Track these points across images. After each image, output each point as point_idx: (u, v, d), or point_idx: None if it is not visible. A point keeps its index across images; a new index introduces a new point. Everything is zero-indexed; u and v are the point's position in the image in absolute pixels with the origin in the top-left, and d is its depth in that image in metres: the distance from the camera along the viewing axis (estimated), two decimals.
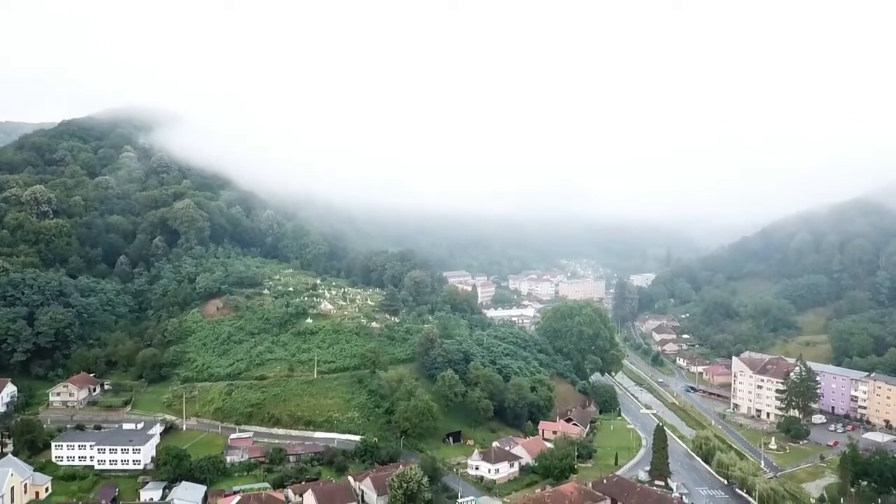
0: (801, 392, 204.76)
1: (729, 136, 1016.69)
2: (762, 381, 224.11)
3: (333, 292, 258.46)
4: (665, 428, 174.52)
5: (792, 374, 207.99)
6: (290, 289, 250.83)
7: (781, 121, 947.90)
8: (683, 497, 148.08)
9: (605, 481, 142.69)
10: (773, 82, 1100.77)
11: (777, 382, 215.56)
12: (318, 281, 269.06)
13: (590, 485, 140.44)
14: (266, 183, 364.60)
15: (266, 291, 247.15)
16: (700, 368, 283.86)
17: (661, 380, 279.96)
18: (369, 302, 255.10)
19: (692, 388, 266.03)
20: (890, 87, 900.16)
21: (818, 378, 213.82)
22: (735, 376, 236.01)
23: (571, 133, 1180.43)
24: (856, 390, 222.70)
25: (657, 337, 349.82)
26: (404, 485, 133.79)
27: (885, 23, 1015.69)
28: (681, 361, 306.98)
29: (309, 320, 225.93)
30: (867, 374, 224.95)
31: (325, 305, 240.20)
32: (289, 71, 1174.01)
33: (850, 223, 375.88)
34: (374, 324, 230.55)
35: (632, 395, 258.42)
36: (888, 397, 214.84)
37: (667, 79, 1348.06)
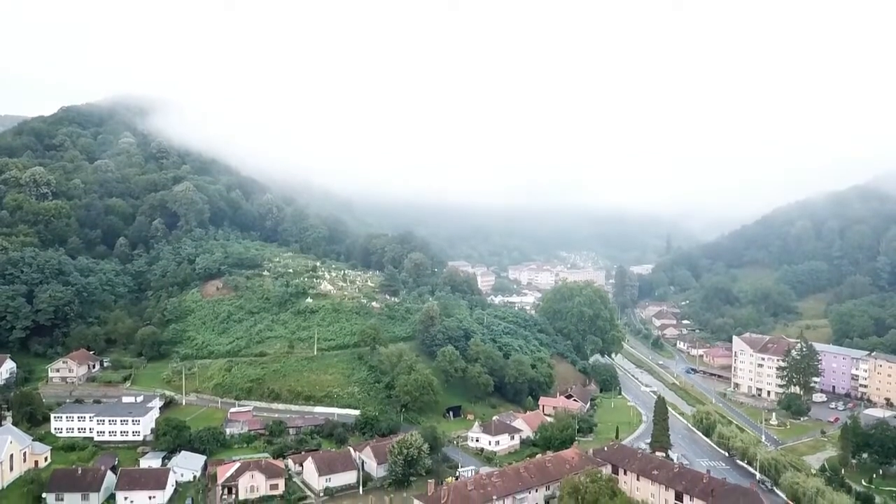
0: (802, 368, 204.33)
1: (729, 132, 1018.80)
2: (763, 359, 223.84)
3: (333, 274, 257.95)
4: (665, 401, 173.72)
5: (793, 350, 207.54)
6: (290, 270, 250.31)
7: (781, 117, 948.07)
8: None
9: (605, 449, 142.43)
10: (771, 77, 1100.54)
11: (778, 360, 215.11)
12: (318, 263, 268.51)
13: (591, 452, 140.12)
14: (265, 170, 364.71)
15: (266, 273, 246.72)
16: (700, 351, 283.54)
17: (661, 362, 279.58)
18: (369, 283, 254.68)
19: (693, 369, 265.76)
20: (890, 84, 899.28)
21: (819, 357, 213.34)
22: (736, 355, 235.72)
23: (571, 128, 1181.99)
24: (856, 369, 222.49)
25: (657, 322, 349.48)
26: (405, 451, 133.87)
27: (886, 21, 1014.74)
28: (681, 345, 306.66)
29: (309, 300, 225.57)
30: (868, 352, 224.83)
31: (325, 286, 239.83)
32: (290, 66, 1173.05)
33: (850, 210, 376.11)
34: (374, 304, 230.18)
35: (632, 376, 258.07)
36: (889, 375, 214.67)
37: (666, 76, 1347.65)
